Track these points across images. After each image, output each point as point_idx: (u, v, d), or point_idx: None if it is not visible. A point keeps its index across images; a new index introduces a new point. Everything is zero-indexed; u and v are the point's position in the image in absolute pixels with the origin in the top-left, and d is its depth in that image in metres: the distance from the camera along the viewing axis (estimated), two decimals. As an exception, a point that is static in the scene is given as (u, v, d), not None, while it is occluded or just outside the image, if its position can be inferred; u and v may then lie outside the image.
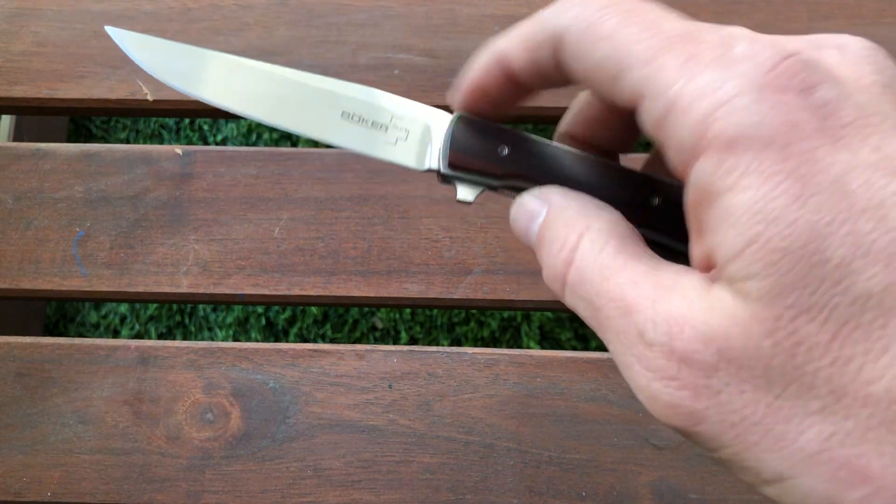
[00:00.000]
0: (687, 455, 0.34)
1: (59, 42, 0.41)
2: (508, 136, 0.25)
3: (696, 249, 0.19)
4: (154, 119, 0.85)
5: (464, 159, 0.25)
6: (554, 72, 0.21)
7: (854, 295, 0.16)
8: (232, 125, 0.84)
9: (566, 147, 0.26)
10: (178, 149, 0.39)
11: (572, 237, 0.20)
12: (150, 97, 0.40)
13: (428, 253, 0.37)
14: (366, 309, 0.79)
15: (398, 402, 0.35)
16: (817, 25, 0.40)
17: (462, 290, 0.37)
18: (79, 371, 0.36)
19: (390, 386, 0.36)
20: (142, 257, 0.37)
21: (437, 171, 0.25)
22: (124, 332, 0.78)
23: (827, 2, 0.41)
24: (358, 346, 0.36)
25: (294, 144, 0.84)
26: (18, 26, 0.41)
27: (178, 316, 0.78)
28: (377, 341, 0.78)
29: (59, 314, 0.79)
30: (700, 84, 0.17)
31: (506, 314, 0.79)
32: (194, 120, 0.84)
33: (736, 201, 0.17)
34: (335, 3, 0.41)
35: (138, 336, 0.77)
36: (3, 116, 0.70)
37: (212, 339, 0.78)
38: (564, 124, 0.25)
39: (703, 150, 0.17)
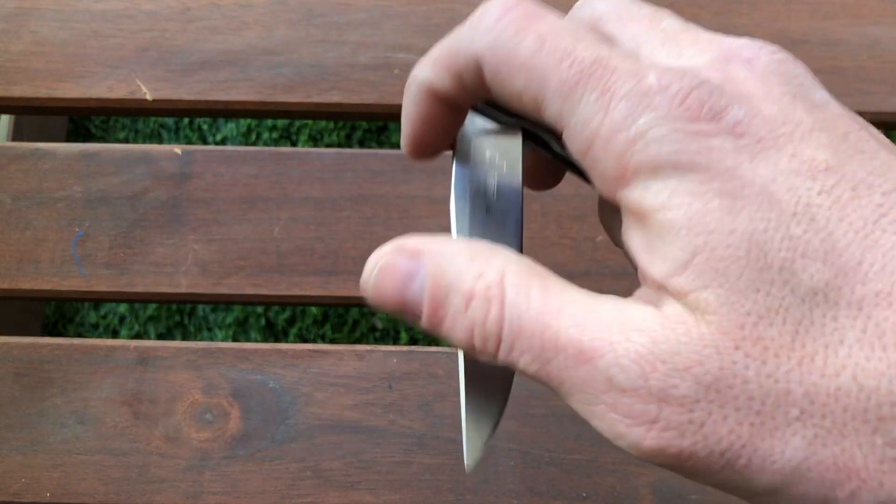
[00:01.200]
0: (688, 455, 0.34)
1: (58, 42, 0.40)
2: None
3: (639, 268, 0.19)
4: (153, 119, 0.85)
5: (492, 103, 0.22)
6: (485, 90, 0.20)
7: (802, 294, 0.16)
8: (231, 125, 0.84)
9: None
10: (178, 148, 0.39)
11: (493, 288, 0.18)
12: (149, 97, 0.39)
13: (428, 253, 0.37)
14: (366, 309, 0.79)
15: (398, 402, 0.35)
16: (818, 25, 0.40)
17: (462, 291, 0.37)
18: (78, 371, 0.36)
19: (390, 386, 0.35)
20: (141, 257, 0.37)
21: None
22: (123, 332, 0.78)
23: (828, 1, 0.41)
24: (358, 347, 0.36)
25: (294, 144, 0.84)
26: (17, 26, 0.41)
27: (178, 316, 0.78)
28: (377, 341, 0.78)
29: (58, 314, 0.79)
30: (616, 119, 0.17)
31: (506, 314, 0.79)
32: (193, 120, 0.84)
33: (671, 217, 0.17)
34: (335, 2, 0.41)
35: (137, 336, 0.77)
36: (2, 116, 0.70)
37: (211, 340, 0.78)
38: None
39: (628, 181, 0.18)
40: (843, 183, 0.17)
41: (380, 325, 0.78)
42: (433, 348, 0.36)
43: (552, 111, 0.18)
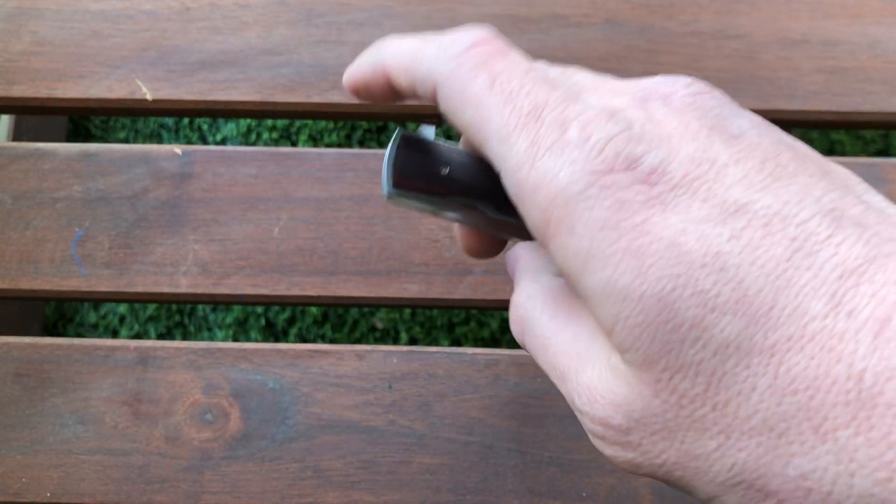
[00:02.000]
0: (688, 455, 0.34)
1: (58, 42, 0.40)
2: (450, 155, 0.26)
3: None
4: (153, 119, 0.85)
5: (407, 180, 0.25)
6: (433, 102, 0.22)
7: (714, 348, 0.17)
8: (231, 125, 0.84)
9: None
10: (178, 148, 0.39)
11: (518, 308, 0.23)
12: (149, 97, 0.39)
13: (428, 253, 0.37)
14: (366, 309, 0.79)
15: (398, 402, 0.35)
16: (818, 25, 0.40)
17: (462, 291, 0.37)
18: (78, 371, 0.36)
19: (390, 386, 0.35)
20: (141, 257, 0.37)
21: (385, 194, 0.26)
22: (123, 332, 0.78)
23: (828, 1, 0.41)
24: (358, 347, 0.36)
25: (294, 144, 0.84)
26: (17, 26, 0.41)
27: (178, 316, 0.78)
28: (377, 341, 0.78)
29: (57, 314, 0.79)
30: (539, 172, 0.19)
31: (506, 314, 0.79)
32: (193, 120, 0.84)
33: (590, 284, 0.18)
34: (335, 2, 0.41)
35: (137, 336, 0.77)
36: (2, 116, 0.70)
37: (211, 340, 0.77)
38: None
39: (551, 237, 0.19)
40: (755, 222, 0.17)
41: (380, 325, 0.78)
42: (433, 348, 0.36)
43: (492, 150, 0.20)
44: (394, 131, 0.83)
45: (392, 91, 0.23)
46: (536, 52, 0.40)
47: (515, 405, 0.35)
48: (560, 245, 0.19)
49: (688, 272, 0.17)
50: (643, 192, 0.18)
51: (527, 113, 0.19)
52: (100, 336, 0.78)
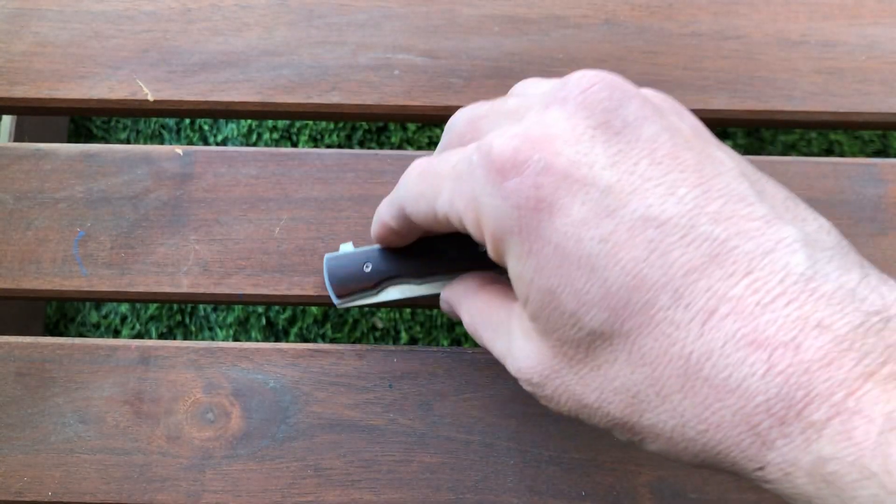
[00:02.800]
0: (686, 455, 0.35)
1: (59, 42, 0.41)
2: (367, 254, 0.33)
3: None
4: (154, 119, 0.85)
5: (344, 288, 0.34)
6: (414, 225, 0.29)
7: (586, 332, 0.22)
8: (232, 125, 0.84)
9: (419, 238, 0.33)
10: (179, 149, 0.39)
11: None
12: (150, 97, 0.40)
13: (428, 253, 0.37)
14: (366, 309, 0.79)
15: (398, 401, 0.35)
16: (816, 26, 0.40)
17: (462, 290, 0.37)
18: (79, 371, 0.36)
19: (390, 386, 0.36)
20: (142, 257, 0.37)
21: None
22: (125, 331, 0.78)
23: (827, 2, 0.41)
24: (358, 346, 0.36)
25: (294, 145, 0.84)
26: (19, 26, 0.41)
27: (179, 316, 0.78)
28: (377, 341, 0.78)
29: (59, 314, 0.79)
30: (464, 202, 0.24)
31: (506, 314, 0.78)
32: (194, 120, 0.84)
33: (511, 273, 0.24)
34: (335, 3, 0.41)
35: (139, 336, 0.77)
36: (4, 117, 0.70)
37: (212, 339, 0.78)
38: None
39: (490, 240, 0.24)
40: (622, 225, 0.21)
41: (380, 324, 0.78)
42: (433, 348, 0.36)
43: (437, 213, 0.26)
44: (394, 132, 0.84)
45: (402, 232, 0.31)
46: (535, 53, 0.40)
47: (515, 404, 0.35)
48: (491, 246, 0.24)
49: (567, 273, 0.21)
50: (532, 201, 0.22)
51: (446, 174, 0.26)
52: (101, 336, 0.78)
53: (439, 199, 0.25)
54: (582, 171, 0.21)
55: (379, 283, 0.33)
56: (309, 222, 0.38)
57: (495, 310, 0.27)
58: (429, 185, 0.26)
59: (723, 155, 0.22)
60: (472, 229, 0.25)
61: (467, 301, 0.30)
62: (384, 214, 0.30)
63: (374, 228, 0.32)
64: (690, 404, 0.20)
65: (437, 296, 0.34)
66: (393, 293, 0.34)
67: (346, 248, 0.34)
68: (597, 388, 0.22)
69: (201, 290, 0.37)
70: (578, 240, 0.21)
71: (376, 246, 0.33)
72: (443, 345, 0.77)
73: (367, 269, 0.33)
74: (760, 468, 0.20)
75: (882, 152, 0.82)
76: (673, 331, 0.20)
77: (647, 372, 0.21)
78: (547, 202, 0.21)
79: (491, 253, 0.24)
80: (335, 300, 0.34)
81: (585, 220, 0.21)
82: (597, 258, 0.21)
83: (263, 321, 0.78)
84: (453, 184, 0.25)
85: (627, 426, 0.23)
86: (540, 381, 0.24)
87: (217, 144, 0.84)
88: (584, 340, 0.22)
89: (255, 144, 0.84)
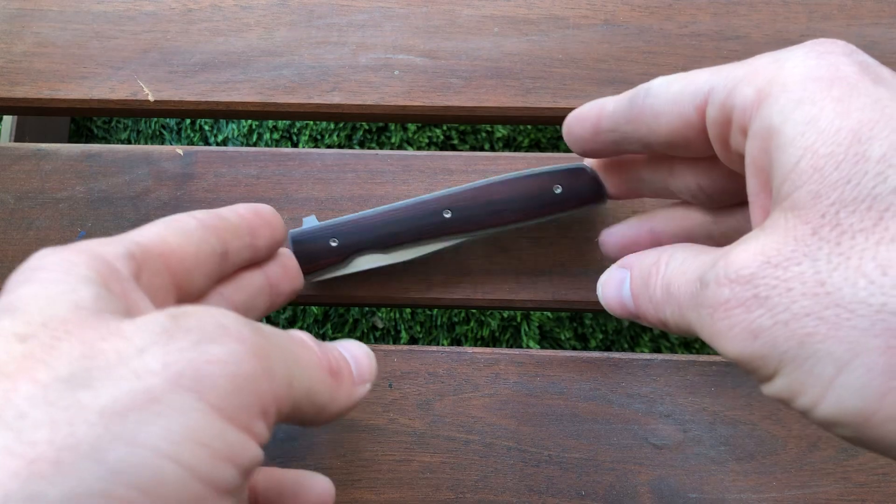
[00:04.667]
0: (686, 454, 0.35)
1: (60, 43, 0.41)
2: (333, 228, 0.34)
3: (755, 204, 0.21)
4: (155, 119, 0.85)
5: (313, 264, 0.34)
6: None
7: (895, 184, 0.17)
8: (233, 125, 0.84)
9: (383, 208, 0.34)
10: (179, 149, 0.39)
11: (658, 269, 0.23)
12: (151, 98, 0.40)
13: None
14: (366, 308, 0.79)
15: (398, 401, 0.35)
16: (816, 26, 0.40)
17: (462, 290, 0.37)
18: (80, 370, 0.36)
19: (390, 385, 0.36)
20: (143, 257, 0.37)
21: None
22: (125, 331, 0.78)
23: (826, 2, 0.41)
24: (358, 346, 0.36)
25: (295, 145, 0.84)
26: (20, 27, 0.41)
27: (179, 316, 0.78)
28: (377, 341, 0.78)
29: (59, 314, 0.79)
30: (761, 61, 0.21)
31: (506, 314, 0.79)
32: (195, 120, 0.84)
33: (791, 126, 0.19)
34: (336, 3, 0.42)
35: (139, 336, 0.77)
36: (5, 117, 0.70)
37: (212, 339, 0.78)
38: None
39: (765, 98, 0.20)
40: None
41: (380, 324, 0.79)
42: (433, 347, 0.36)
43: (698, 91, 0.24)
44: (394, 132, 0.84)
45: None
46: (535, 54, 0.40)
47: (515, 404, 0.36)
48: (773, 99, 0.20)
49: (888, 122, 0.18)
50: (857, 68, 0.19)
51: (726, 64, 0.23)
52: (101, 336, 0.78)
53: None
54: None
55: (346, 256, 0.34)
56: (309, 222, 0.38)
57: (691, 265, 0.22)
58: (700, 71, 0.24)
59: None
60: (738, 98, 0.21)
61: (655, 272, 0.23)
62: (609, 101, 0.27)
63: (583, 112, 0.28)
64: None
65: (405, 263, 0.35)
66: (361, 264, 0.34)
67: (310, 221, 0.34)
68: (878, 267, 0.16)
69: (202, 290, 0.37)
70: None
71: (340, 219, 0.34)
72: (443, 345, 0.77)
73: (334, 244, 0.33)
74: None
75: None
76: None
77: None
78: (872, 76, 0.19)
79: (745, 116, 0.21)
80: (303, 276, 0.34)
81: None
82: None
83: (264, 321, 0.79)
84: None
85: None
86: (761, 273, 0.18)
87: (217, 144, 0.84)
88: (884, 200, 0.17)
89: (255, 145, 0.84)
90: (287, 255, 0.31)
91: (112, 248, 0.21)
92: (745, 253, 0.18)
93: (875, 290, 0.16)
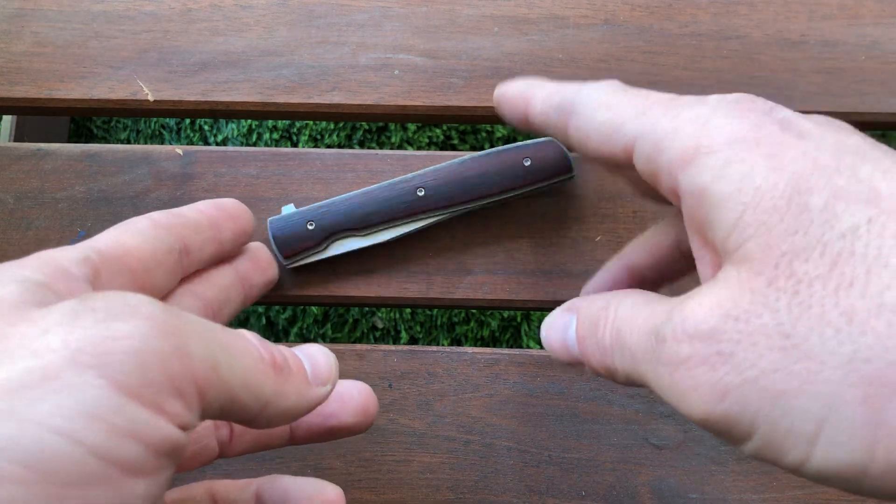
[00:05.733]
0: (686, 455, 0.35)
1: (59, 42, 0.41)
2: (309, 213, 0.34)
3: (702, 261, 0.20)
4: (155, 119, 0.85)
5: (290, 248, 0.34)
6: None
7: (841, 230, 0.17)
8: (232, 125, 0.84)
9: (358, 191, 0.35)
10: (179, 149, 0.39)
11: (607, 314, 0.22)
12: (150, 97, 0.40)
13: (428, 253, 0.37)
14: (366, 308, 0.79)
15: (398, 401, 0.35)
16: (816, 26, 0.40)
17: (462, 290, 0.37)
18: (80, 371, 0.36)
19: (390, 385, 0.36)
20: (142, 257, 0.37)
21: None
22: (125, 331, 0.78)
23: (826, 2, 0.41)
24: (358, 346, 0.36)
25: (295, 145, 0.84)
26: (19, 26, 0.41)
27: (179, 316, 0.78)
28: (377, 341, 0.78)
29: (59, 314, 0.79)
30: (684, 118, 0.20)
31: (506, 314, 0.79)
32: (195, 120, 0.84)
33: (724, 185, 0.18)
34: (335, 3, 0.41)
35: (139, 336, 0.77)
36: (4, 117, 0.70)
37: (212, 339, 0.78)
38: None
39: (690, 160, 0.19)
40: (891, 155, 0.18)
41: (380, 324, 0.78)
42: (433, 348, 0.36)
43: (627, 131, 0.22)
44: (394, 132, 0.84)
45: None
46: (535, 53, 0.40)
47: (515, 404, 0.35)
48: (700, 160, 0.19)
49: (822, 171, 0.18)
50: (778, 126, 0.19)
51: (656, 100, 0.22)
52: (101, 336, 0.78)
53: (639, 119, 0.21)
54: (828, 136, 0.20)
55: (323, 239, 0.35)
56: (309, 222, 0.38)
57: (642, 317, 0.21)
58: (627, 102, 0.22)
59: None
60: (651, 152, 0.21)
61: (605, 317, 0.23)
62: (546, 92, 0.25)
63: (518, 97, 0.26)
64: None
65: (381, 245, 0.35)
66: (338, 248, 0.35)
67: (288, 209, 0.35)
68: (843, 314, 0.16)
69: (201, 290, 0.37)
70: (835, 154, 0.18)
71: (317, 204, 0.35)
72: (443, 345, 0.77)
73: (311, 228, 0.34)
74: None
75: (882, 152, 0.82)
76: None
77: None
78: (794, 132, 0.19)
79: (673, 175, 0.20)
80: (282, 261, 0.35)
81: (839, 146, 0.19)
82: (859, 167, 0.18)
83: (264, 321, 0.78)
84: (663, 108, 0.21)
85: (889, 373, 0.16)
86: (721, 327, 0.17)
87: (217, 144, 0.84)
88: (834, 246, 0.17)
89: (255, 144, 0.84)
90: (257, 248, 0.32)
91: (67, 253, 0.22)
92: (701, 307, 0.18)
93: (844, 338, 0.16)
